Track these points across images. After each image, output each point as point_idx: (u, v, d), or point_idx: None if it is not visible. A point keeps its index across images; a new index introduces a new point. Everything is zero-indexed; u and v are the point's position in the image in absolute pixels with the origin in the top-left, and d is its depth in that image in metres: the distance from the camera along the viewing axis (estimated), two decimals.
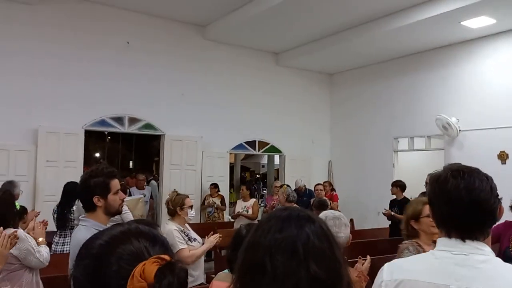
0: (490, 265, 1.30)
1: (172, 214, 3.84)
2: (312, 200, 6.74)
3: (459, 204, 1.33)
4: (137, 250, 0.88)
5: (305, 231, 0.99)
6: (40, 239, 3.25)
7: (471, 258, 1.31)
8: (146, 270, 0.79)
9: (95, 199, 2.37)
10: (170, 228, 3.70)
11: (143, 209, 7.06)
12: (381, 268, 1.47)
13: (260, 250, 0.98)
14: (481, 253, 1.31)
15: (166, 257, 0.83)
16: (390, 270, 1.43)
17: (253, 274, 0.97)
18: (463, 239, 1.33)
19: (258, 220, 4.95)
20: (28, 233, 3.20)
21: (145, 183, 8.70)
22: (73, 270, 0.91)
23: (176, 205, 3.80)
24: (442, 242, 1.38)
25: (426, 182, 4.56)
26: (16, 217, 2.89)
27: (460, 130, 7.82)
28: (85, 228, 2.34)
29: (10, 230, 2.78)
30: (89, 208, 2.42)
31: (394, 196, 7.22)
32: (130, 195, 7.56)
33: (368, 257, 2.66)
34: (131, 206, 5.71)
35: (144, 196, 7.74)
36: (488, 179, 1.38)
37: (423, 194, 4.10)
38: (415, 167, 8.67)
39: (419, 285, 1.33)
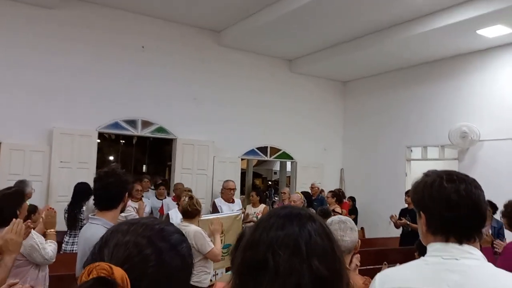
0: (482, 270, 1.29)
1: (193, 216, 3.88)
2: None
3: (461, 207, 1.33)
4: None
5: (307, 229, 0.99)
6: (49, 231, 3.25)
7: (462, 263, 1.29)
8: (91, 274, 0.78)
9: (125, 196, 2.41)
10: (196, 229, 3.77)
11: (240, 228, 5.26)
12: (373, 279, 1.45)
13: (262, 247, 0.97)
14: (472, 257, 1.31)
15: (118, 271, 0.79)
16: (382, 280, 1.41)
17: (254, 271, 0.96)
18: (461, 242, 1.33)
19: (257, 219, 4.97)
20: (43, 224, 3.24)
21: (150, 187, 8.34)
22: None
23: (200, 206, 3.92)
24: (433, 247, 1.37)
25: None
26: (15, 215, 2.90)
27: (478, 140, 7.71)
28: (95, 227, 2.34)
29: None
30: (110, 205, 2.40)
31: (406, 205, 7.14)
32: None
33: (385, 265, 2.63)
34: (226, 226, 4.43)
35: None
36: (476, 182, 1.40)
37: None
38: None
39: None
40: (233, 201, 6.56)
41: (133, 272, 0.81)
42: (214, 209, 6.17)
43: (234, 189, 6.64)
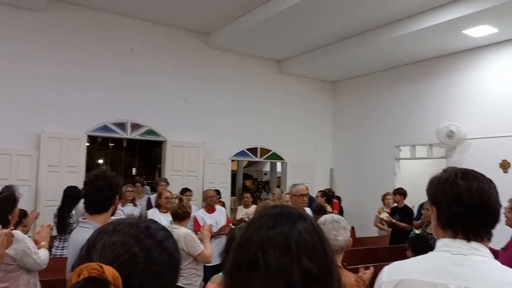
0: (488, 266, 1.32)
1: (183, 218, 3.89)
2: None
3: (470, 204, 1.35)
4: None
5: (297, 228, 1.00)
6: (43, 243, 3.25)
7: (469, 259, 1.32)
8: (81, 274, 0.78)
9: (116, 199, 2.39)
10: (186, 232, 3.79)
11: None
12: (381, 270, 1.48)
13: (253, 246, 0.98)
14: (479, 254, 1.33)
15: (109, 270, 0.80)
16: (389, 272, 1.44)
17: (245, 271, 0.97)
18: (468, 239, 1.35)
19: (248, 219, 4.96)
20: (34, 237, 3.21)
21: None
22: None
23: (190, 208, 3.96)
24: (442, 242, 1.40)
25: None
26: (6, 221, 2.88)
27: (464, 139, 7.81)
28: (85, 230, 2.28)
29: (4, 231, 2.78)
30: (101, 208, 2.37)
31: (395, 204, 7.20)
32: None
33: (371, 268, 2.65)
34: None
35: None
36: (492, 182, 1.42)
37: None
38: (417, 175, 8.63)
39: (418, 284, 1.34)
40: (213, 211, 5.86)
41: (123, 271, 0.82)
42: (196, 225, 5.48)
43: (214, 196, 6.00)
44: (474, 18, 6.54)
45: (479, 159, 7.41)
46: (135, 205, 6.43)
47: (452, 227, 1.38)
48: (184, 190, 6.76)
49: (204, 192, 6.71)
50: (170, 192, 5.83)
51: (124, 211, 6.07)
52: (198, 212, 5.88)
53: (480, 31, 7.08)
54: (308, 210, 7.00)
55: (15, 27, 6.93)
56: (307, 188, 8.36)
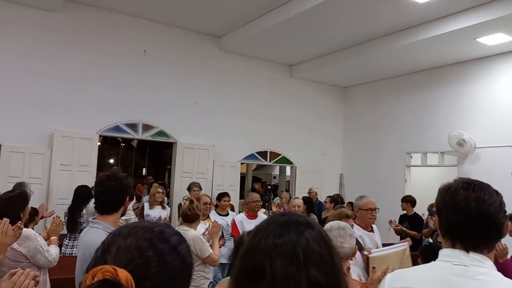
0: (489, 278, 1.31)
1: (192, 220, 3.90)
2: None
3: (467, 214, 1.34)
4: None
5: (305, 236, 0.99)
6: (53, 238, 3.29)
7: (471, 270, 1.31)
8: (96, 276, 0.80)
9: (127, 200, 2.41)
10: (195, 234, 3.79)
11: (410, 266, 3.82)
12: (384, 278, 1.49)
13: (260, 255, 0.98)
14: (481, 266, 1.32)
15: (122, 273, 0.81)
16: (392, 279, 1.45)
17: (251, 279, 0.97)
18: (467, 250, 1.34)
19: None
20: (45, 229, 3.26)
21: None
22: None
23: (200, 211, 3.96)
24: (444, 252, 1.39)
25: None
26: (18, 218, 2.91)
27: (475, 147, 7.73)
28: (95, 231, 2.32)
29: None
30: (111, 209, 2.39)
31: (404, 211, 7.14)
32: (139, 201, 7.56)
33: (386, 266, 2.63)
34: (394, 264, 3.28)
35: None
36: (498, 194, 1.40)
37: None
38: (428, 183, 8.55)
39: None
40: (255, 217, 5.31)
41: (136, 274, 0.83)
42: (234, 229, 5.15)
43: (259, 201, 5.45)
44: (489, 26, 6.48)
45: (490, 168, 7.33)
46: (163, 207, 6.20)
47: (450, 237, 1.38)
48: (222, 195, 5.84)
49: (247, 195, 6.10)
50: (209, 197, 5.40)
51: (152, 214, 5.95)
52: (237, 216, 5.48)
53: (494, 39, 7.01)
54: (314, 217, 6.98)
55: (29, 26, 7.03)
56: (316, 193, 8.45)
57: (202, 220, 4.69)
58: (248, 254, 1.01)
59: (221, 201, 5.72)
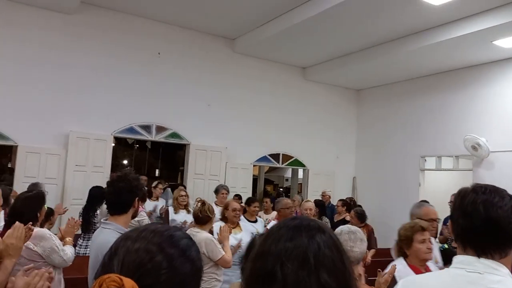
0: (505, 287, 1.28)
1: (204, 222, 3.91)
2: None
3: (475, 218, 1.32)
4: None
5: (316, 241, 0.99)
6: (68, 239, 3.34)
7: (485, 278, 1.29)
8: (102, 286, 0.79)
9: (136, 201, 2.42)
10: (207, 236, 3.78)
11: None
12: (396, 284, 1.48)
13: (271, 259, 0.97)
14: (496, 273, 1.29)
15: (128, 283, 0.80)
16: (404, 285, 1.44)
17: (262, 283, 0.96)
18: (478, 256, 1.32)
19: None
20: (62, 231, 3.31)
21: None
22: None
23: (212, 213, 3.91)
24: (459, 259, 1.37)
25: (450, 201, 4.36)
26: (35, 218, 2.96)
27: (488, 152, 7.61)
28: (107, 232, 2.34)
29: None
30: (121, 209, 2.40)
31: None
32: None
33: (392, 267, 2.61)
34: None
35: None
36: (511, 198, 1.35)
37: None
38: (442, 187, 8.46)
39: None
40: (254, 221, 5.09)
41: (146, 280, 0.83)
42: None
43: (292, 207, 5.29)
44: (506, 28, 6.38)
45: (506, 173, 7.21)
46: (188, 211, 5.76)
47: (461, 241, 1.37)
48: (253, 200, 5.47)
49: (278, 200, 5.64)
50: (240, 202, 4.94)
51: (177, 219, 5.69)
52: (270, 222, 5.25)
53: (511, 42, 6.90)
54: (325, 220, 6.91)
55: (45, 29, 7.15)
56: (329, 196, 8.39)
57: (232, 228, 4.45)
58: (259, 258, 1.01)
59: (251, 207, 5.34)
